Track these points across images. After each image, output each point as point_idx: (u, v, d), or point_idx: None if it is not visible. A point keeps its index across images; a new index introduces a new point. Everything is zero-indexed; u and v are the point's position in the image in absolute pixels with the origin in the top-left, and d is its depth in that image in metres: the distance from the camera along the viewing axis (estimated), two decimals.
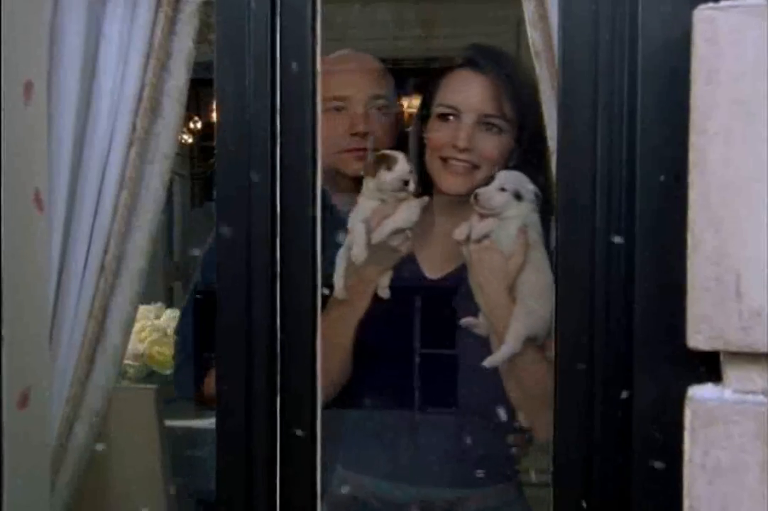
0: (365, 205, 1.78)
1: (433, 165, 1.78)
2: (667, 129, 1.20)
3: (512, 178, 1.71)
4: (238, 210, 1.38)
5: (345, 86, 1.91)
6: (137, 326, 2.96)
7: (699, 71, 1.07)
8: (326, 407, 1.59)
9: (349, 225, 1.77)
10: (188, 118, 4.42)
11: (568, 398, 1.27)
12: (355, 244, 1.74)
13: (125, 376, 2.94)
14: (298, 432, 1.38)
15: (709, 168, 1.06)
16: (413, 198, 1.78)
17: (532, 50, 1.52)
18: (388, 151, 1.80)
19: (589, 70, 1.27)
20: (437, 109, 1.78)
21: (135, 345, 2.94)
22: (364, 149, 1.90)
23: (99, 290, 1.66)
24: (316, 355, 1.38)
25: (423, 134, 1.81)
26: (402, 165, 1.75)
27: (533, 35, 1.50)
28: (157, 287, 2.23)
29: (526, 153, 1.75)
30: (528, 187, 1.71)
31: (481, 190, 1.70)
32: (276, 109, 1.37)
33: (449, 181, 1.77)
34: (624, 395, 1.24)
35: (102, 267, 1.65)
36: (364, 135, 1.90)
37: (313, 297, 1.38)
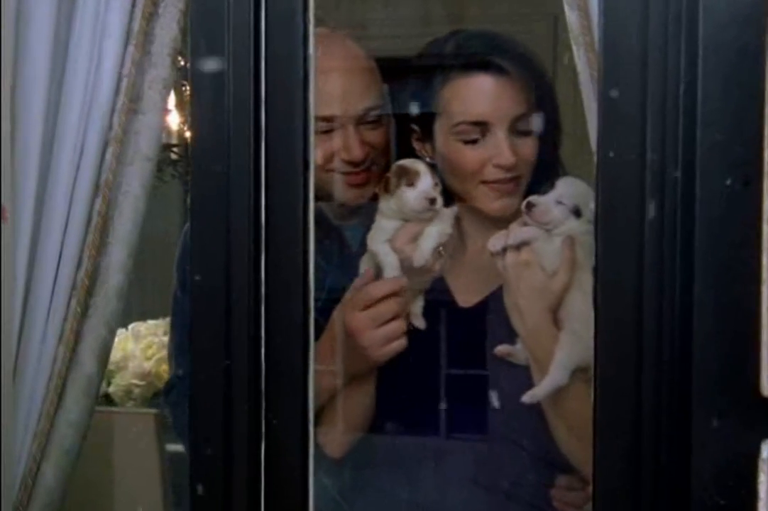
0: (386, 226, 1.53)
1: (476, 190, 1.53)
2: (734, 122, 0.99)
3: (573, 191, 1.48)
4: (215, 218, 1.18)
5: (330, 103, 1.57)
6: (144, 342, 2.80)
7: None
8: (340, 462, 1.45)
9: (370, 247, 1.53)
10: None
11: (609, 454, 1.04)
12: (386, 268, 1.51)
13: (130, 396, 2.78)
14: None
15: None
16: (443, 209, 1.53)
17: (570, 35, 1.32)
18: (407, 163, 1.53)
19: (637, 51, 1.05)
20: (458, 129, 1.52)
21: (141, 363, 2.78)
22: (362, 174, 1.60)
23: (71, 312, 1.48)
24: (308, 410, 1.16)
25: (443, 157, 1.55)
26: (425, 180, 1.49)
27: (571, 16, 1.30)
28: (166, 300, 2.05)
29: (553, 150, 1.55)
30: (591, 204, 1.47)
31: (535, 200, 1.47)
32: (260, 99, 1.16)
33: (498, 206, 1.53)
34: (680, 452, 1.01)
35: (74, 285, 1.48)
36: (359, 163, 1.60)
37: (305, 328, 1.17)
